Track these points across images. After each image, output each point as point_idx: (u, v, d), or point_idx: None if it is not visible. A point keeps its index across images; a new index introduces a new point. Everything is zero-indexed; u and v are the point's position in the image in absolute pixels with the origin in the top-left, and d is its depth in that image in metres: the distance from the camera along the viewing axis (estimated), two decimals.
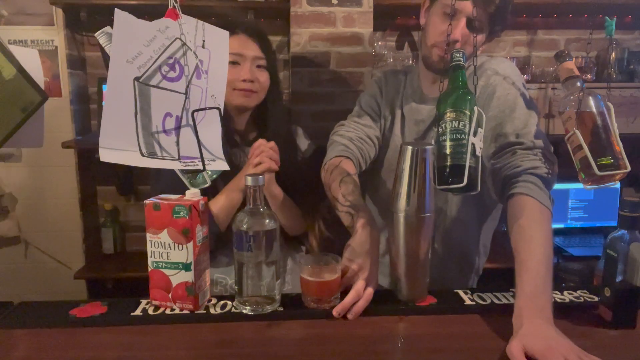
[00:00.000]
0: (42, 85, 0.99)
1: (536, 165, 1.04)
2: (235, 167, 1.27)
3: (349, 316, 0.95)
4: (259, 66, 1.28)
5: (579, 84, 1.00)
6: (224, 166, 1.00)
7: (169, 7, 0.92)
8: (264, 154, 1.19)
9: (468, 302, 1.02)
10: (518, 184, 1.02)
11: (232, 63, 1.24)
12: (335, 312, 0.95)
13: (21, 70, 0.95)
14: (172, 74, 0.94)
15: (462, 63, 0.98)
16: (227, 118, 1.30)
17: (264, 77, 1.29)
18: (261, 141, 1.21)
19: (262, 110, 1.34)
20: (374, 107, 1.33)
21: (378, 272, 1.03)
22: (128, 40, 0.88)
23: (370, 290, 0.97)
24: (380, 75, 1.40)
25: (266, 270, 0.95)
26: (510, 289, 1.06)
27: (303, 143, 1.44)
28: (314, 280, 0.98)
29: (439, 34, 1.13)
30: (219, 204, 1.23)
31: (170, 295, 0.97)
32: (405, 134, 1.29)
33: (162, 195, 0.98)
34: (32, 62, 0.98)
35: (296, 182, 1.32)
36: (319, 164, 1.30)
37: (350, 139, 1.26)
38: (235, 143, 1.34)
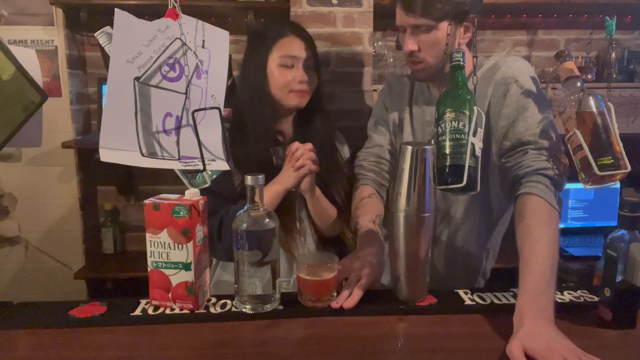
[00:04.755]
0: (40, 85, 0.99)
1: (547, 166, 1.03)
2: (278, 165, 1.28)
3: (345, 305, 0.97)
4: (308, 66, 1.28)
5: (579, 84, 1.00)
6: (224, 166, 0.99)
7: (169, 7, 0.92)
8: (304, 156, 1.19)
9: (468, 302, 1.02)
10: (528, 184, 1.02)
11: (286, 66, 1.25)
12: (335, 305, 0.97)
13: (21, 70, 0.95)
14: (172, 74, 0.94)
15: (461, 63, 0.99)
16: (273, 118, 1.30)
17: (313, 77, 1.29)
18: (297, 144, 1.21)
19: (305, 109, 1.34)
20: (382, 125, 1.36)
21: (382, 271, 1.04)
22: (128, 40, 0.88)
23: (364, 280, 1.00)
24: (384, 87, 1.41)
25: (266, 269, 0.95)
26: (511, 289, 1.06)
27: (342, 146, 1.45)
28: (311, 279, 0.98)
29: (405, 51, 1.18)
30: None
31: (170, 295, 0.97)
32: (417, 136, 1.30)
33: (162, 195, 0.98)
34: (30, 62, 0.98)
35: (334, 183, 1.32)
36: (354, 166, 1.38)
37: (363, 167, 1.34)
38: (278, 142, 1.34)
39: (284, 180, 1.22)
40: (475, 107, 0.96)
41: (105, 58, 2.17)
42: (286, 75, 1.26)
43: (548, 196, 1.00)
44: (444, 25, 1.10)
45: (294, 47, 1.26)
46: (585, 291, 1.06)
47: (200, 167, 0.96)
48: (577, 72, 1.02)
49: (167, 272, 0.97)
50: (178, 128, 0.96)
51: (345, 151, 1.45)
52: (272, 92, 1.28)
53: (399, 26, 1.17)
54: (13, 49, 0.96)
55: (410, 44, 1.13)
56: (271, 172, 1.20)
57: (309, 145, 1.21)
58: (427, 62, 1.15)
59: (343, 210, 1.33)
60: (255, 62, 1.28)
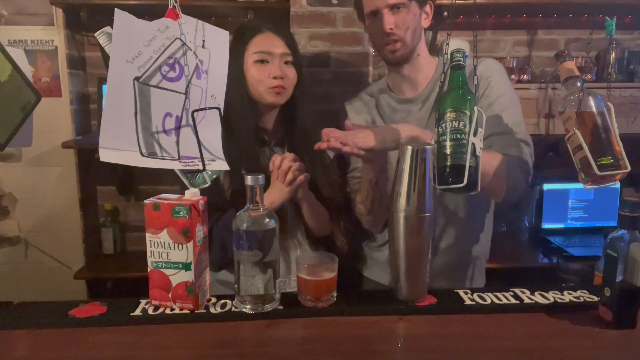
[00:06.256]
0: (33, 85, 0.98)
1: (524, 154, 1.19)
2: (266, 164, 1.26)
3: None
4: (286, 62, 1.28)
5: (579, 84, 1.00)
6: (224, 166, 0.99)
7: (169, 7, 0.92)
8: (292, 168, 1.17)
9: (468, 302, 1.02)
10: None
11: (261, 61, 1.25)
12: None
13: (18, 71, 0.95)
14: (172, 74, 0.94)
15: (462, 63, 0.98)
16: (255, 117, 1.30)
17: (292, 73, 1.28)
18: (279, 158, 1.18)
19: (289, 107, 1.33)
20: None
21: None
22: (128, 40, 0.88)
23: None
24: (348, 110, 1.46)
25: (266, 269, 0.95)
26: (511, 289, 1.06)
27: None
28: (311, 279, 0.98)
29: (376, 35, 1.28)
30: None
31: (170, 295, 0.97)
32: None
33: (162, 195, 0.98)
34: (19, 63, 0.97)
35: (323, 183, 1.31)
36: (343, 164, 1.39)
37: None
38: (264, 142, 1.33)
39: (278, 196, 1.19)
40: (475, 107, 0.96)
41: (106, 58, 2.18)
42: (261, 72, 1.24)
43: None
44: (414, 5, 1.25)
45: (268, 42, 1.26)
46: (585, 291, 1.06)
47: (200, 167, 0.96)
48: (577, 72, 1.02)
49: (167, 272, 0.97)
50: (178, 128, 0.96)
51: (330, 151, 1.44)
52: (250, 90, 1.26)
53: (371, 12, 1.26)
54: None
55: (390, 23, 1.23)
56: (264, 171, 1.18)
57: (291, 156, 1.18)
58: (404, 39, 1.25)
59: (333, 210, 1.33)
60: (234, 60, 1.24)
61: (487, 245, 1.41)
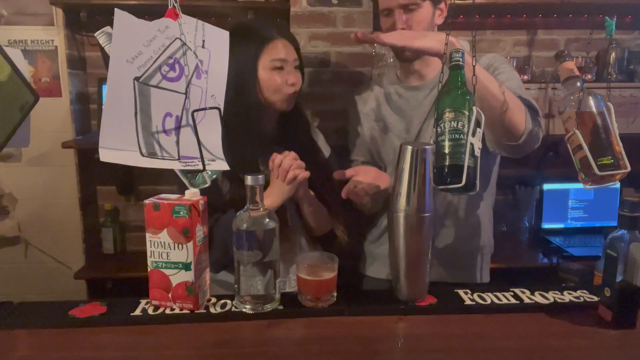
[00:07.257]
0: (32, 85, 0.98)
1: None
2: (265, 168, 1.25)
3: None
4: (295, 68, 1.28)
5: (579, 84, 1.01)
6: (224, 166, 0.99)
7: (169, 7, 0.92)
8: (293, 166, 1.16)
9: (468, 302, 1.02)
10: None
11: (279, 68, 1.24)
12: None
13: (16, 71, 0.95)
14: (172, 74, 0.94)
15: (461, 63, 0.98)
16: (255, 121, 1.28)
17: (300, 77, 1.29)
18: (279, 157, 1.17)
19: (288, 111, 1.33)
20: (364, 151, 1.46)
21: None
22: (128, 40, 0.88)
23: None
24: (355, 104, 1.48)
25: (266, 269, 0.95)
26: (511, 289, 1.06)
27: (323, 144, 1.44)
28: (311, 279, 0.98)
29: (389, 32, 1.26)
30: None
31: (170, 295, 0.97)
32: (401, 131, 1.37)
33: (162, 195, 0.98)
34: (17, 63, 0.97)
35: (321, 182, 1.31)
36: (340, 163, 1.41)
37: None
38: (264, 145, 1.31)
39: (279, 195, 1.19)
40: (474, 107, 0.96)
41: (106, 58, 2.17)
42: (278, 79, 1.23)
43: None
44: (427, 4, 1.26)
45: (283, 50, 1.25)
46: (585, 291, 1.06)
47: (200, 167, 0.96)
48: (577, 72, 1.02)
49: (167, 272, 0.97)
50: (178, 128, 0.96)
51: (326, 149, 1.44)
52: (265, 95, 1.25)
53: (384, 9, 1.29)
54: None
55: (401, 23, 1.24)
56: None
57: (293, 154, 1.18)
58: None
59: (332, 207, 1.33)
60: (244, 67, 1.24)
61: (490, 236, 1.43)
